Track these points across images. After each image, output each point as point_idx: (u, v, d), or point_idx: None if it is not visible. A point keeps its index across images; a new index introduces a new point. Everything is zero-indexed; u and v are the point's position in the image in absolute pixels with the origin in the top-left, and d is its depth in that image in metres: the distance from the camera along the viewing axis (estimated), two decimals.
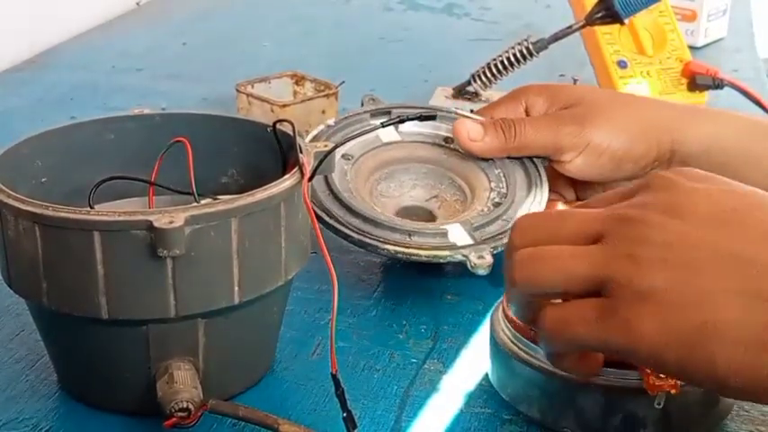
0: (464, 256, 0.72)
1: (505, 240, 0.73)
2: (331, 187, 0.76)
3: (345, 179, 0.77)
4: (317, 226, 0.60)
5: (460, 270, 0.75)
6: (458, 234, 0.75)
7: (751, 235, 0.44)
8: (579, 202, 0.54)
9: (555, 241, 0.48)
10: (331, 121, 0.81)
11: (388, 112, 0.84)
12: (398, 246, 0.72)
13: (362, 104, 0.85)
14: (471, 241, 0.74)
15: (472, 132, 0.80)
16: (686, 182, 0.47)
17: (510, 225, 0.74)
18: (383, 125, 0.68)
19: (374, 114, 0.84)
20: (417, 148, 0.83)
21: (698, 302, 0.44)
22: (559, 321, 0.47)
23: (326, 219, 0.73)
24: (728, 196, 0.46)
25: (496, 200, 0.79)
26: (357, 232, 0.73)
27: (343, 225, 0.73)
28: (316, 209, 0.73)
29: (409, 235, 0.74)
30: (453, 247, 0.73)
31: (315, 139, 0.79)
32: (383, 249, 0.72)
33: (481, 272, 0.71)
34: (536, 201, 0.78)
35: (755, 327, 0.43)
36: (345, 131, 0.81)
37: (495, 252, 0.73)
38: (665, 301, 0.44)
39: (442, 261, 0.73)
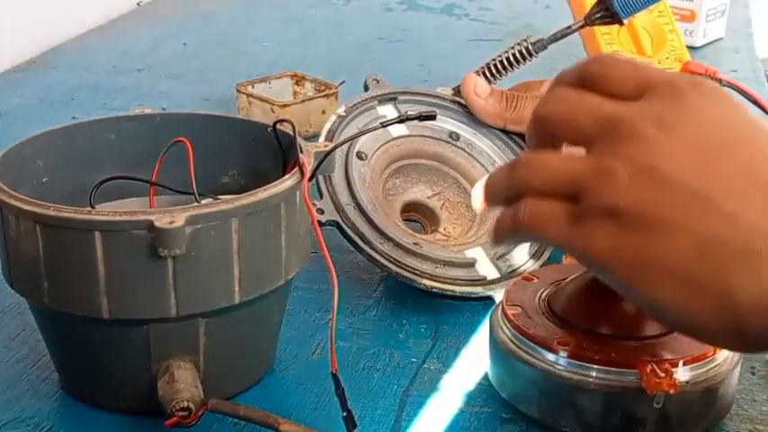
0: (495, 293, 0.74)
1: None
2: (356, 197, 0.76)
3: (365, 186, 0.78)
4: (317, 225, 0.60)
5: None
6: (485, 265, 0.76)
7: (726, 177, 0.45)
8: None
9: (563, 130, 0.49)
10: (341, 110, 0.81)
11: (394, 98, 0.84)
12: (435, 281, 0.73)
13: (365, 86, 0.85)
14: (498, 274, 0.76)
15: (478, 88, 0.82)
16: (693, 99, 0.47)
17: (528, 255, 0.78)
18: (383, 125, 0.68)
19: (381, 101, 0.84)
20: (423, 144, 0.83)
21: (651, 231, 0.45)
22: (536, 214, 0.49)
23: (361, 244, 0.74)
24: (724, 127, 0.46)
25: None
26: (393, 262, 0.74)
27: (380, 254, 0.74)
28: (348, 230, 0.74)
29: (443, 265, 0.75)
30: (484, 282, 0.75)
31: (329, 132, 0.79)
32: (420, 284, 0.73)
33: None
34: None
35: (699, 268, 0.44)
36: (356, 121, 0.81)
37: None
38: (624, 222, 0.45)
39: (474, 296, 0.74)
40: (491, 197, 0.52)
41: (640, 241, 0.45)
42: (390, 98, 0.84)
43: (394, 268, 0.73)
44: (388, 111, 0.83)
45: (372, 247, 0.74)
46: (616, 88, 0.48)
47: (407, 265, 0.74)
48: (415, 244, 0.75)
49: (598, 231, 0.46)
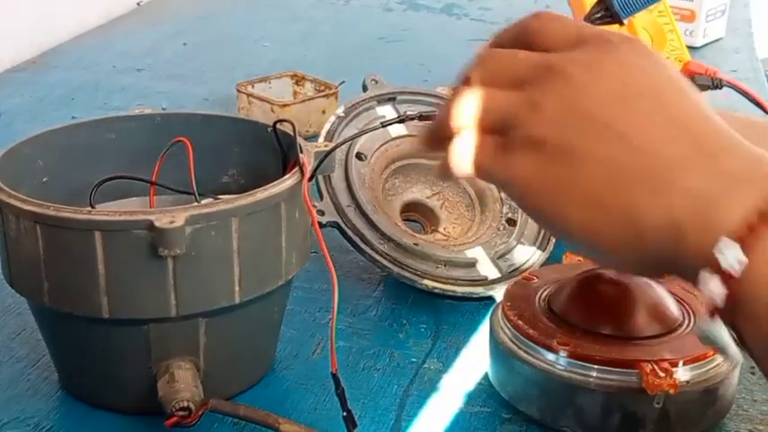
0: (495, 292, 0.74)
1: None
2: (356, 198, 0.76)
3: (365, 187, 0.78)
4: (317, 226, 0.60)
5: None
6: (485, 265, 0.76)
7: (640, 114, 0.47)
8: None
9: (497, 79, 0.51)
10: (340, 111, 0.81)
11: (393, 98, 0.84)
12: (436, 281, 0.74)
13: (364, 86, 0.85)
14: (498, 274, 0.76)
15: None
16: (622, 51, 0.49)
17: (531, 254, 0.78)
18: (383, 125, 0.68)
19: (380, 101, 0.84)
20: None
21: (568, 160, 0.47)
22: (466, 146, 0.51)
23: (362, 245, 0.74)
24: (644, 76, 0.49)
25: (509, 215, 0.80)
26: (394, 263, 0.74)
27: (380, 255, 0.74)
28: (348, 231, 0.74)
29: (443, 265, 0.75)
30: (485, 282, 0.75)
31: (329, 132, 0.79)
32: (421, 284, 0.73)
33: None
34: None
35: (608, 195, 0.46)
36: (356, 121, 0.81)
37: None
38: (546, 152, 0.48)
39: (475, 296, 0.74)
40: (431, 142, 0.53)
41: (557, 169, 0.47)
42: (389, 98, 0.84)
43: (395, 269, 0.73)
44: (387, 111, 0.83)
45: (373, 248, 0.74)
46: (552, 42, 0.51)
47: (408, 266, 0.74)
48: (415, 244, 0.75)
49: (521, 160, 0.48)
